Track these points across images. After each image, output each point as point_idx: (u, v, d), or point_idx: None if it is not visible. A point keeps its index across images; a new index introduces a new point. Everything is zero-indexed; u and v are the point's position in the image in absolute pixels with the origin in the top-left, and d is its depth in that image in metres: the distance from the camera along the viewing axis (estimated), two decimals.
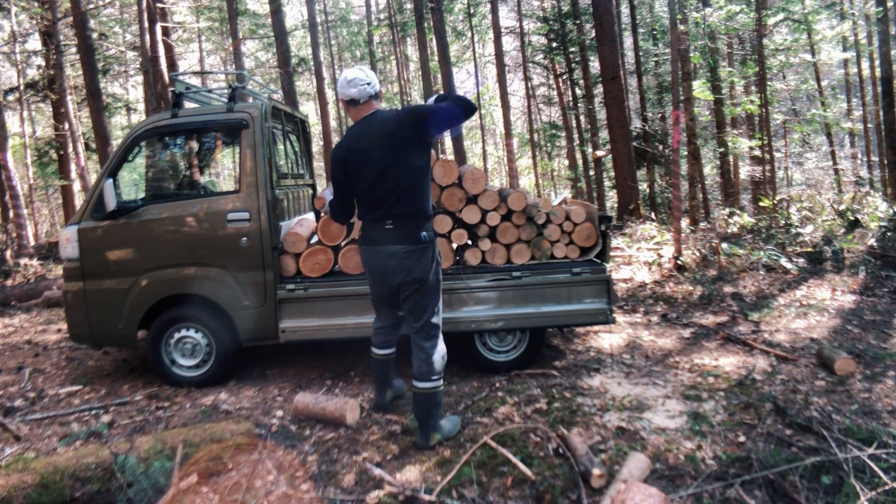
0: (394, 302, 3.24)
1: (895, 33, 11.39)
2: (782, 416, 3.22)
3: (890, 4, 11.19)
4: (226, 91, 4.64)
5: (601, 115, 14.61)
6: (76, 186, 14.37)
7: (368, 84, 3.02)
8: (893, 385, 3.63)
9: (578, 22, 14.47)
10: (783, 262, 6.69)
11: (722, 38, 13.61)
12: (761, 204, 9.76)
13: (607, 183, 15.63)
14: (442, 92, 6.97)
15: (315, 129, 19.96)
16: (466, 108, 2.97)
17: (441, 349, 3.14)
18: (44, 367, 5.03)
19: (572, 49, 15.54)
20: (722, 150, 13.32)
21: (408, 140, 2.96)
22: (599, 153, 14.26)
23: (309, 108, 25.01)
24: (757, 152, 11.65)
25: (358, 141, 3.01)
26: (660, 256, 7.56)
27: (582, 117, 16.17)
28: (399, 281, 3.05)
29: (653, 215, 11.73)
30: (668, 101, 14.06)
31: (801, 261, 6.81)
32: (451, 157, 13.40)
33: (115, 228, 4.12)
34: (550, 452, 2.93)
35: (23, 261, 10.06)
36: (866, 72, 16.41)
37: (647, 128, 13.98)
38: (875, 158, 15.82)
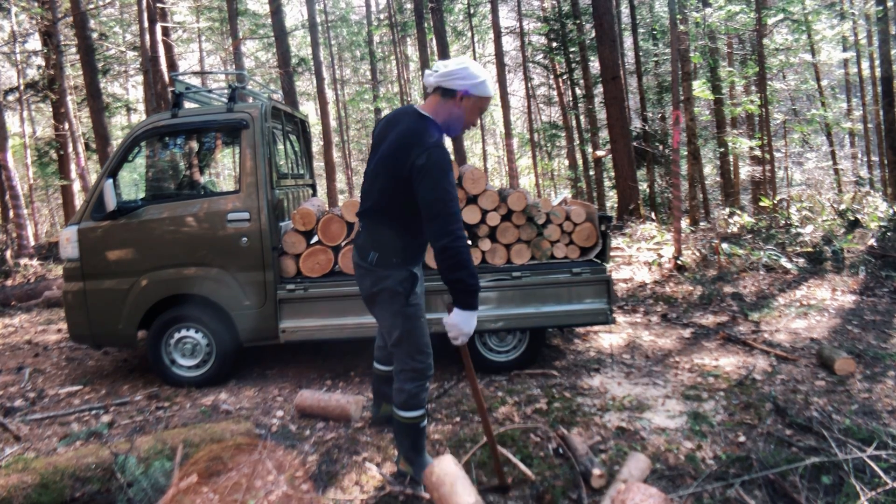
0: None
1: (895, 33, 11.39)
2: (782, 416, 3.22)
3: (890, 4, 11.18)
4: (226, 91, 4.64)
5: (601, 115, 14.61)
6: (76, 186, 14.36)
7: None
8: (893, 385, 3.63)
9: (578, 22, 14.47)
10: (783, 262, 6.69)
11: (722, 38, 13.60)
12: (761, 204, 9.76)
13: (607, 183, 15.63)
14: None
15: (315, 129, 19.94)
16: None
17: (408, 388, 2.67)
18: (44, 367, 5.02)
19: (572, 49, 15.54)
20: (722, 150, 13.32)
21: None
22: (599, 153, 14.25)
23: (309, 108, 25.00)
24: (757, 152, 11.64)
25: None
26: (660, 256, 7.56)
27: (582, 117, 16.16)
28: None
29: (653, 215, 11.73)
30: (668, 101, 14.05)
31: (801, 261, 6.81)
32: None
33: (115, 228, 4.12)
34: (550, 452, 2.93)
35: (23, 261, 10.06)
36: (866, 72, 16.40)
37: (647, 128, 13.97)
38: (875, 158, 15.82)
